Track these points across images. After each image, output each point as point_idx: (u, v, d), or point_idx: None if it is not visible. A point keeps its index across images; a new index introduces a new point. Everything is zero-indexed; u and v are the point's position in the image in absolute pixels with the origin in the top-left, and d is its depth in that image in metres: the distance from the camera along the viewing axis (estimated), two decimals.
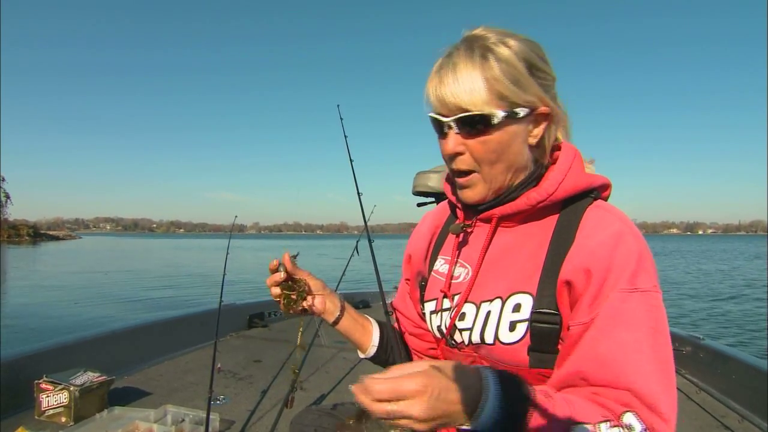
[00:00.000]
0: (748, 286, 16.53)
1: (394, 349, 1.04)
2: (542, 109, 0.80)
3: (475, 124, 0.77)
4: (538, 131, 0.82)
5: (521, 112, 0.77)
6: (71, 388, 2.24)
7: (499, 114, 0.76)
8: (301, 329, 1.00)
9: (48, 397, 2.25)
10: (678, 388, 2.83)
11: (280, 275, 0.91)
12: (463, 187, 0.84)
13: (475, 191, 0.83)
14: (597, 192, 0.83)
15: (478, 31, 0.80)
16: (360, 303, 5.95)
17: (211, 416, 1.91)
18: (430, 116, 0.81)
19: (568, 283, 0.75)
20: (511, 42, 0.78)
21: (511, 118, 0.77)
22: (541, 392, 0.66)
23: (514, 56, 0.77)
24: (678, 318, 9.76)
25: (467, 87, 0.76)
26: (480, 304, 0.83)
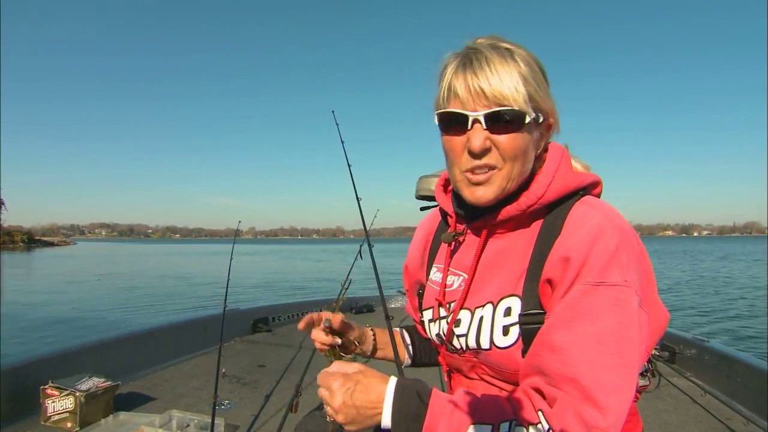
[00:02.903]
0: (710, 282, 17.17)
1: (430, 354, 1.09)
2: (551, 120, 0.81)
3: (507, 121, 0.74)
4: (541, 143, 0.82)
5: (541, 117, 0.78)
6: (77, 394, 2.26)
7: (531, 114, 0.75)
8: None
9: (54, 402, 2.27)
10: (683, 391, 2.82)
11: (323, 335, 0.92)
12: (481, 183, 0.78)
13: (493, 188, 0.77)
14: (586, 189, 0.82)
15: (487, 38, 0.79)
16: (364, 308, 5.96)
17: (216, 421, 1.92)
18: (452, 111, 0.77)
19: (549, 281, 0.75)
20: (523, 49, 0.78)
21: (536, 121, 0.77)
22: (442, 402, 0.68)
23: (533, 61, 0.78)
24: None
25: (507, 81, 0.74)
26: (474, 310, 0.83)
